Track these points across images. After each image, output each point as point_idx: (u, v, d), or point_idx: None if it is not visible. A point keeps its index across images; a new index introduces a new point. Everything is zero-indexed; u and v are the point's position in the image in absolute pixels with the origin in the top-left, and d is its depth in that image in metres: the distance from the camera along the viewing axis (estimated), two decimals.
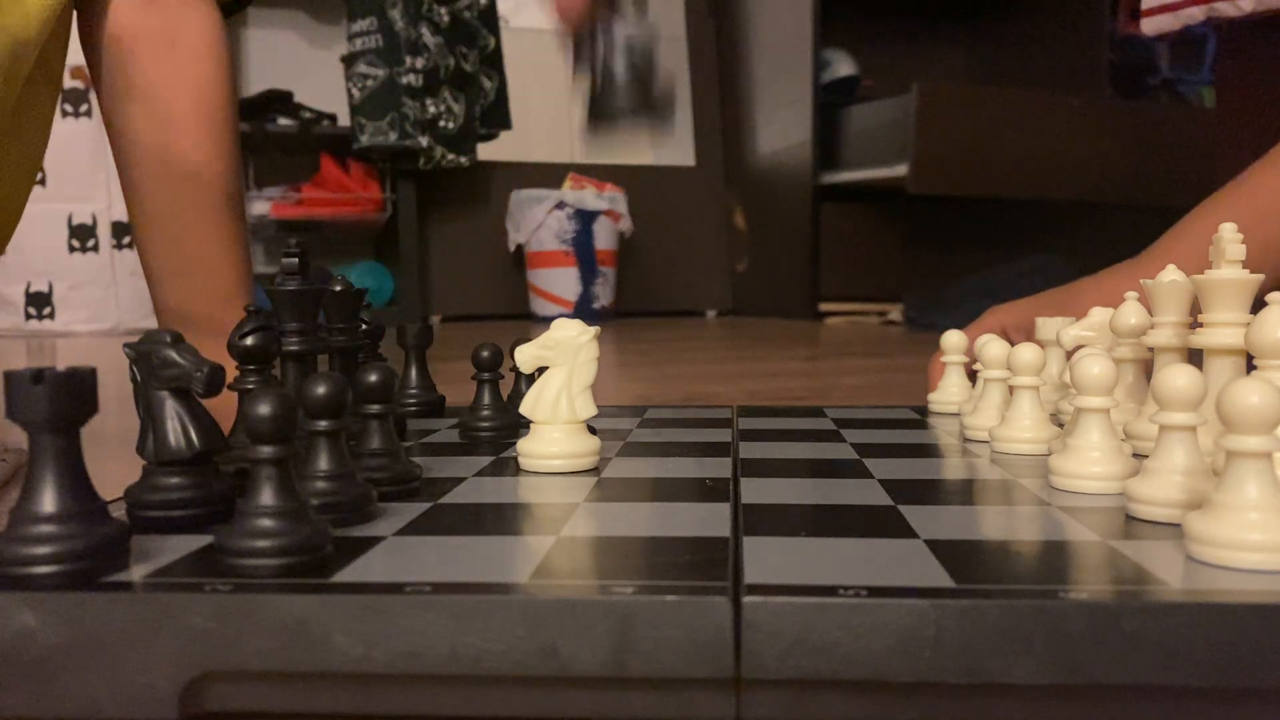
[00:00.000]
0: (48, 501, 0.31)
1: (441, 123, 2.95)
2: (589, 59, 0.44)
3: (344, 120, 3.01)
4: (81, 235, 2.90)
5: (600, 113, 0.44)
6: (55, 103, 0.82)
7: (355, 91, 2.90)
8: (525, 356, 0.49)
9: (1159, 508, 0.37)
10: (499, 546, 0.35)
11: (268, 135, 3.00)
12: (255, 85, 3.08)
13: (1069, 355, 0.60)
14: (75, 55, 0.79)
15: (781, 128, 3.21)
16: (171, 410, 0.38)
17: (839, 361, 1.82)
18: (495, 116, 3.12)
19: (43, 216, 2.80)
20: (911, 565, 0.32)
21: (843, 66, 3.14)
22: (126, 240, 2.87)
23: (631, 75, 0.44)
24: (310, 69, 3.14)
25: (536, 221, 3.16)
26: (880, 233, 3.09)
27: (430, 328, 0.69)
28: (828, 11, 2.99)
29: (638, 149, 3.42)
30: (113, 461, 0.50)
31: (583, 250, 3.16)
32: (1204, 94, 3.31)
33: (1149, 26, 1.28)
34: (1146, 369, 0.53)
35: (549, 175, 3.29)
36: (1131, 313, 0.52)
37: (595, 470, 0.48)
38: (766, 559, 0.33)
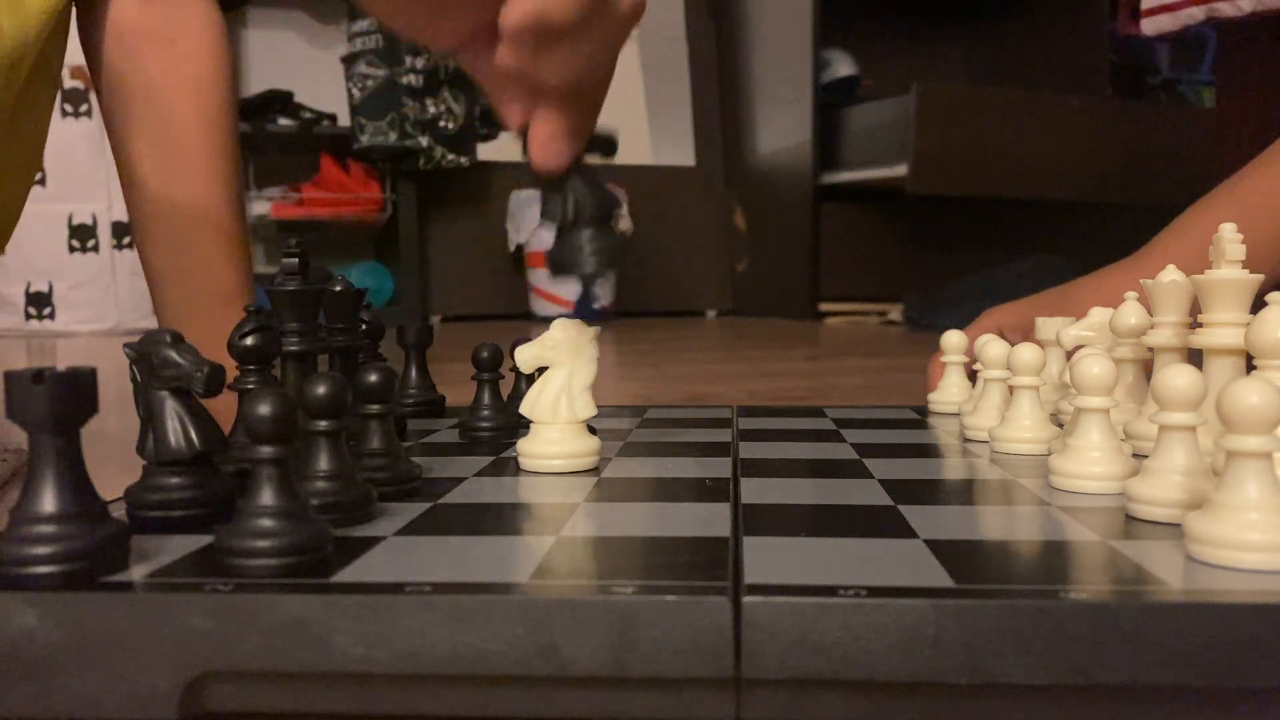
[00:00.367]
0: (48, 501, 0.31)
1: (441, 123, 2.95)
2: (558, 207, 0.44)
3: (344, 120, 3.00)
4: (81, 235, 2.90)
5: (561, 263, 0.45)
6: (54, 102, 0.82)
7: (355, 91, 2.90)
8: (526, 357, 0.49)
9: (1159, 508, 0.37)
10: (499, 546, 0.35)
11: (268, 135, 3.00)
12: (255, 85, 3.08)
13: (1069, 355, 0.60)
14: (76, 55, 0.79)
15: (781, 128, 3.21)
16: (171, 410, 0.38)
17: (839, 361, 1.82)
18: (495, 117, 3.12)
19: (43, 216, 2.81)
20: (911, 565, 0.32)
21: (843, 66, 3.14)
22: (126, 240, 2.87)
23: (595, 225, 0.44)
24: (310, 69, 3.14)
25: (536, 221, 3.16)
26: (880, 233, 3.09)
27: (430, 328, 0.69)
28: (828, 11, 2.99)
29: (641, 149, 3.42)
30: (113, 461, 0.50)
31: None
32: (1204, 94, 3.31)
33: (1149, 26, 1.28)
34: (1146, 369, 0.53)
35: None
36: (1131, 313, 0.52)
37: (595, 470, 0.48)
38: (766, 559, 0.33)
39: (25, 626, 0.30)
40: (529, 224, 3.17)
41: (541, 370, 0.49)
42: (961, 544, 0.34)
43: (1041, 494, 0.42)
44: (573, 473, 0.47)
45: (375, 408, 0.43)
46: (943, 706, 0.29)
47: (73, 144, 2.78)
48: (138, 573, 0.32)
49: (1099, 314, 0.58)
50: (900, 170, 2.73)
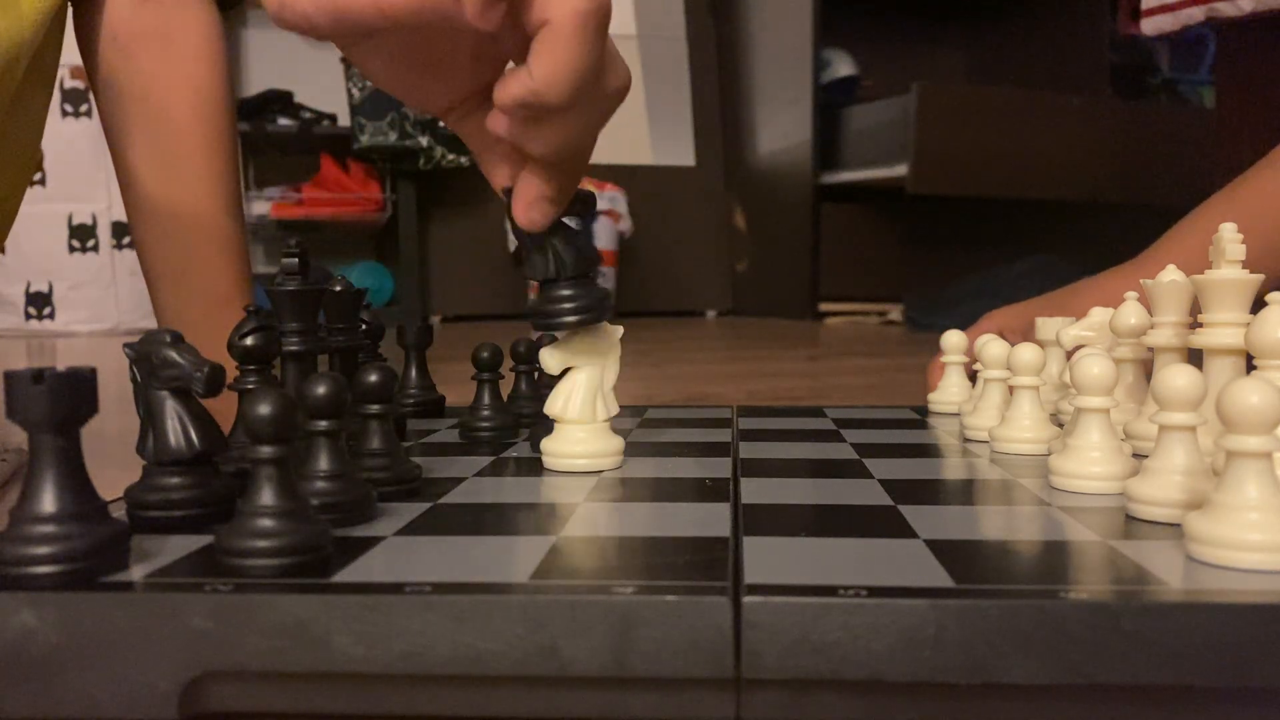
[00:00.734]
0: (48, 501, 0.31)
1: (441, 123, 2.95)
2: (539, 264, 0.46)
3: (344, 120, 3.01)
4: (81, 235, 2.90)
5: (541, 317, 0.46)
6: (50, 102, 0.82)
7: (355, 91, 2.90)
8: (555, 358, 0.48)
9: (1159, 508, 0.37)
10: (499, 546, 0.35)
11: (268, 135, 3.00)
12: (255, 85, 3.08)
13: (1069, 355, 0.60)
14: (77, 55, 0.79)
15: (781, 128, 3.21)
16: (171, 410, 0.38)
17: (839, 361, 1.82)
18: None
19: (43, 216, 2.81)
20: (911, 565, 0.32)
21: (843, 66, 3.14)
22: (126, 240, 2.88)
23: (575, 282, 0.46)
24: (310, 69, 3.14)
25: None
26: (880, 233, 3.09)
27: (430, 328, 0.69)
28: (828, 11, 2.99)
29: (639, 149, 3.42)
30: (113, 461, 0.50)
31: None
32: (1204, 94, 3.31)
33: (1149, 26, 1.28)
34: (1146, 369, 0.53)
35: None
36: (1131, 313, 0.52)
37: (617, 466, 0.48)
38: (766, 559, 0.33)
39: (25, 626, 0.30)
40: None
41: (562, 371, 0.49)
42: (961, 544, 0.34)
43: (1041, 494, 0.42)
44: (598, 472, 0.48)
45: (375, 408, 0.43)
46: (943, 706, 0.29)
47: (73, 144, 2.78)
48: (138, 573, 0.32)
49: (1099, 314, 0.58)
50: (900, 170, 2.73)
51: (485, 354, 0.58)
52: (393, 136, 2.89)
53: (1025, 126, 2.82)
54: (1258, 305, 0.41)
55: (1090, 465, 0.42)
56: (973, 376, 0.66)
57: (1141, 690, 0.28)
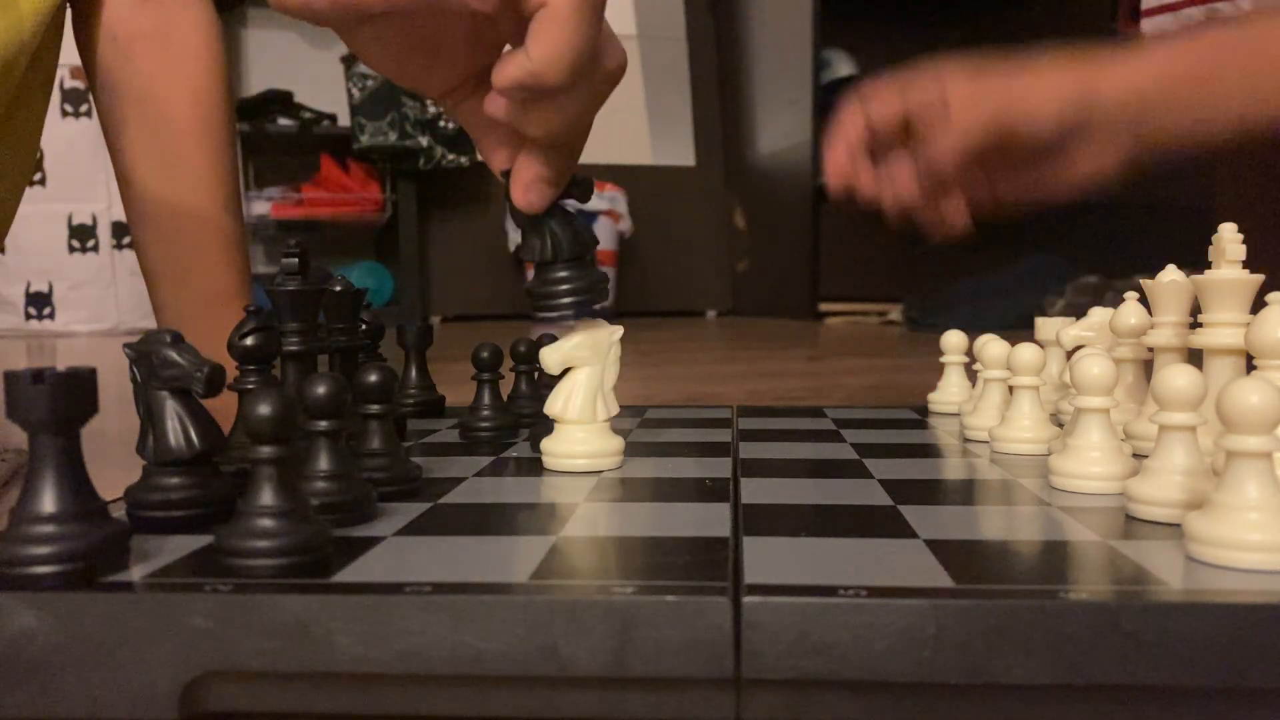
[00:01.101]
0: (48, 501, 0.31)
1: (441, 123, 2.95)
2: (535, 246, 0.46)
3: (344, 120, 3.01)
4: (81, 235, 2.90)
5: (538, 299, 0.47)
6: (49, 103, 0.82)
7: (355, 91, 2.90)
8: (555, 358, 0.48)
9: (1159, 508, 0.37)
10: (499, 546, 0.35)
11: (268, 135, 3.00)
12: (255, 85, 3.08)
13: (1069, 355, 0.60)
14: (76, 55, 0.79)
15: (781, 128, 3.21)
16: (171, 410, 0.38)
17: (839, 361, 1.82)
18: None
19: (43, 216, 2.81)
20: (911, 565, 0.32)
21: (843, 66, 3.14)
22: (126, 240, 2.87)
23: (572, 264, 0.47)
24: (310, 69, 3.14)
25: None
26: (880, 233, 3.09)
27: (430, 328, 0.69)
28: (828, 11, 2.99)
29: (639, 150, 3.42)
30: (113, 461, 0.50)
31: None
32: None
33: (1149, 26, 1.28)
34: (1146, 369, 0.53)
35: None
36: (1131, 313, 0.52)
37: (617, 467, 0.48)
38: (766, 559, 0.33)
39: (25, 626, 0.30)
40: None
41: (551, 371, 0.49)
42: (961, 544, 0.34)
43: (1041, 494, 0.42)
44: (598, 472, 0.48)
45: (375, 408, 0.43)
46: (943, 706, 0.29)
47: (73, 144, 2.78)
48: (138, 573, 0.32)
49: (1099, 314, 0.58)
50: None
51: (485, 354, 0.58)
52: (393, 136, 2.89)
53: None
54: (1258, 305, 0.41)
55: (1090, 465, 0.42)
56: (973, 377, 0.66)
57: (1141, 690, 0.28)
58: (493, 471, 0.49)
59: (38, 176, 2.82)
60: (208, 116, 0.78)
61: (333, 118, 3.07)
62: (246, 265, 0.81)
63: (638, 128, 3.58)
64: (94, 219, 2.91)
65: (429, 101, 2.90)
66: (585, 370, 0.48)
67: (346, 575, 0.31)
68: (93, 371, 0.32)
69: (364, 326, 0.56)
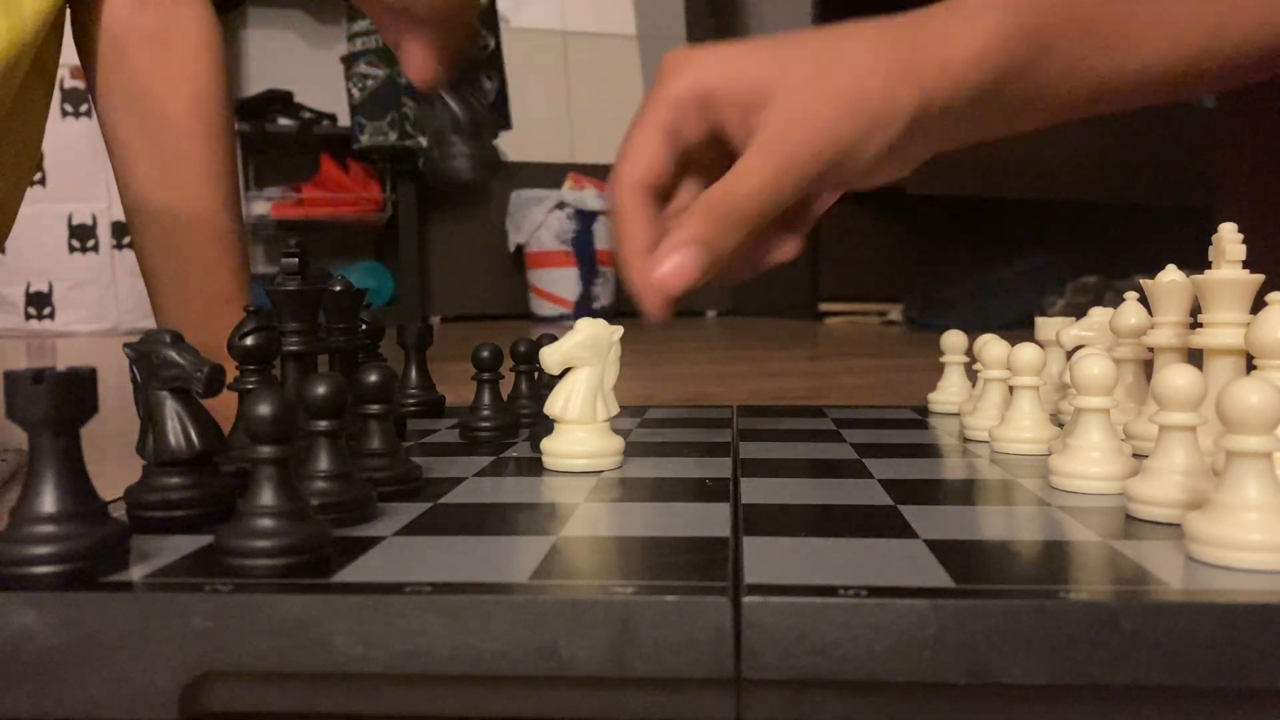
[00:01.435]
0: (48, 501, 0.31)
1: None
2: (431, 120, 0.51)
3: (344, 120, 3.01)
4: (81, 235, 2.90)
5: (436, 173, 0.51)
6: (50, 102, 0.82)
7: (355, 91, 2.90)
8: (556, 358, 0.48)
9: (1159, 508, 0.37)
10: (499, 546, 0.35)
11: (268, 135, 3.00)
12: (255, 85, 3.08)
13: (1069, 355, 0.60)
14: (76, 55, 0.79)
15: None
16: (171, 410, 0.38)
17: (839, 361, 1.82)
18: (495, 116, 3.12)
19: (43, 216, 2.81)
20: (911, 565, 0.32)
21: None
22: (126, 240, 2.87)
23: (468, 138, 0.50)
24: (310, 69, 3.14)
25: (536, 221, 3.16)
26: (880, 233, 3.09)
27: (430, 328, 0.69)
28: (828, 11, 2.99)
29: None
30: (113, 461, 0.50)
31: (583, 250, 3.17)
32: None
33: None
34: (1146, 369, 0.53)
35: (549, 175, 3.29)
36: (1131, 313, 0.52)
37: (617, 466, 0.48)
38: (766, 559, 0.33)
39: (25, 626, 0.30)
40: (529, 224, 3.17)
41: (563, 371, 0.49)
42: (961, 544, 0.34)
43: (1041, 494, 0.42)
44: (598, 472, 0.48)
45: (375, 408, 0.43)
46: (943, 706, 0.29)
47: (73, 144, 2.78)
48: (138, 573, 0.32)
49: (1099, 314, 0.58)
50: None
51: (485, 354, 0.58)
52: (393, 136, 2.89)
53: None
54: (1258, 305, 0.41)
55: (1090, 465, 0.42)
56: (973, 377, 0.66)
57: (1141, 690, 0.28)
58: (493, 471, 0.49)
59: (37, 176, 2.82)
60: (207, 117, 0.78)
61: (333, 118, 3.07)
62: (246, 266, 0.81)
63: None
64: (94, 219, 2.91)
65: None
66: (585, 370, 0.48)
67: (346, 575, 0.31)
68: (93, 371, 0.32)
69: (364, 326, 0.56)
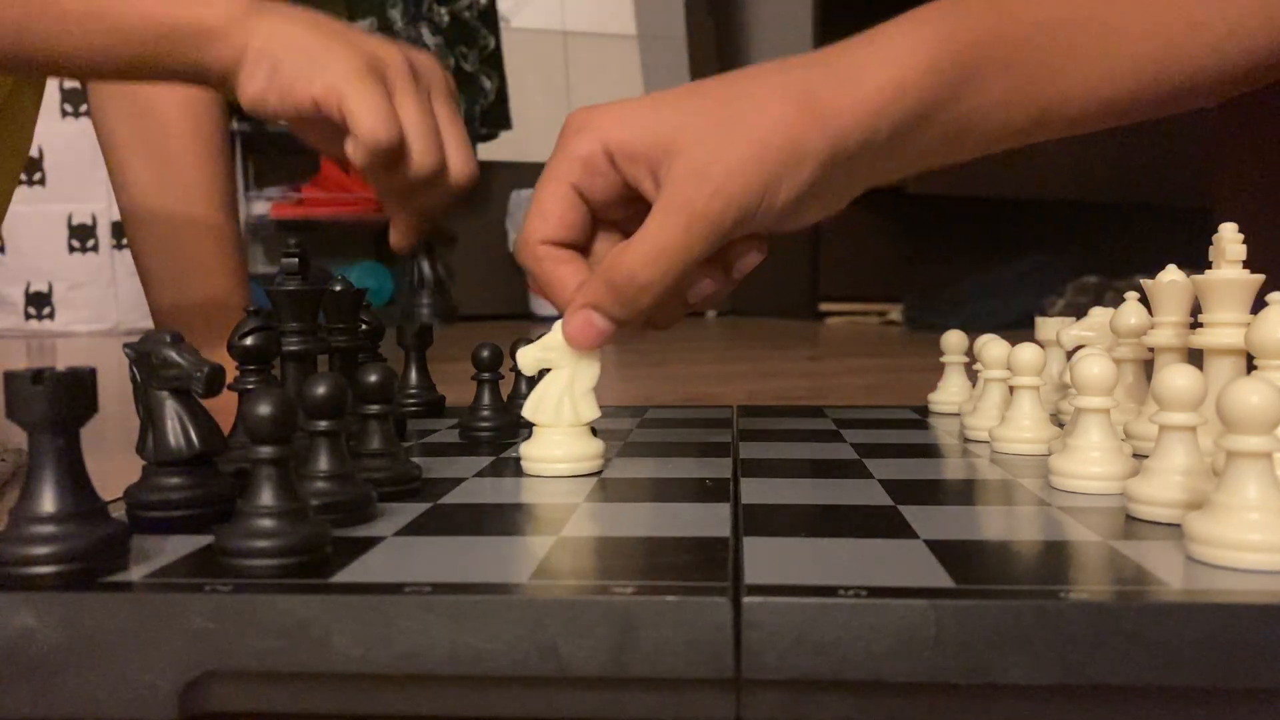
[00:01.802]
0: (48, 501, 0.31)
1: None
2: (408, 276, 0.62)
3: None
4: (81, 235, 2.90)
5: (404, 313, 0.60)
6: (40, 102, 0.82)
7: None
8: (528, 359, 0.48)
9: (1159, 508, 0.37)
10: (499, 546, 0.35)
11: (267, 135, 2.99)
12: None
13: (1069, 355, 0.60)
14: None
15: None
16: (171, 410, 0.38)
17: (839, 361, 1.82)
18: (495, 116, 3.12)
19: (43, 216, 2.80)
20: (911, 565, 0.32)
21: None
22: (126, 240, 2.88)
23: (432, 291, 0.63)
24: None
25: None
26: (880, 233, 3.09)
27: (430, 328, 0.69)
28: (828, 11, 2.99)
29: None
30: (113, 461, 0.50)
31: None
32: None
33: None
34: (1147, 369, 0.53)
35: None
36: (1131, 313, 0.52)
37: (596, 471, 0.48)
38: (766, 559, 0.33)
39: (25, 626, 0.30)
40: None
41: (543, 372, 0.49)
42: (961, 544, 0.34)
43: (1041, 494, 0.42)
44: (576, 476, 0.47)
45: (375, 408, 0.43)
46: (943, 706, 0.29)
47: (73, 144, 2.78)
48: (138, 573, 0.32)
49: (1099, 314, 0.58)
50: None
51: (485, 354, 0.58)
52: None
53: None
54: (1258, 305, 0.41)
55: (1090, 465, 0.42)
56: (973, 377, 0.66)
57: (1141, 690, 0.28)
58: (492, 472, 0.48)
59: (37, 176, 2.82)
60: (200, 119, 0.78)
61: None
62: (243, 267, 0.81)
63: None
64: (94, 219, 2.90)
65: None
66: (561, 372, 0.48)
67: (346, 575, 0.31)
68: (93, 371, 0.32)
69: (364, 326, 0.56)
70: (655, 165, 0.43)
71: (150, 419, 0.39)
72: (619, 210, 0.46)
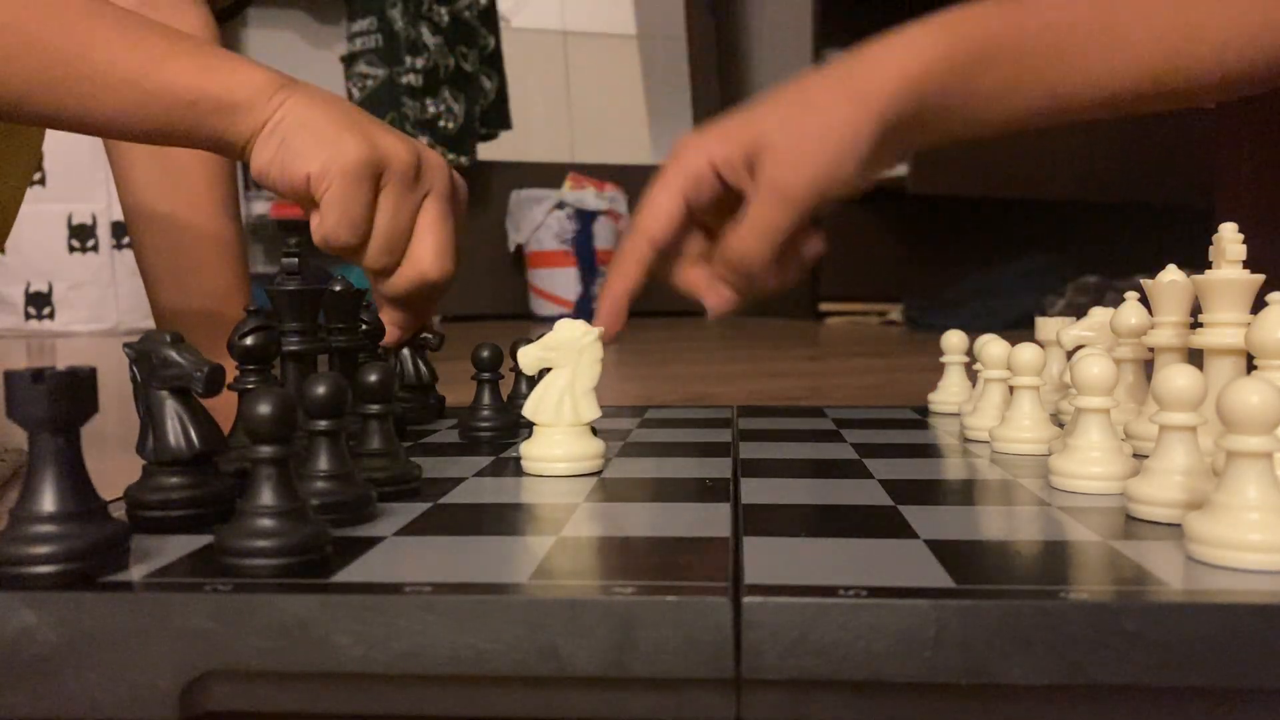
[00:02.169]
0: (48, 501, 0.31)
1: (441, 123, 2.95)
2: (393, 368, 0.65)
3: None
4: (81, 235, 2.90)
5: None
6: None
7: (355, 91, 2.90)
8: (528, 358, 0.48)
9: (1159, 508, 0.37)
10: (499, 546, 0.35)
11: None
12: None
13: (1069, 355, 0.60)
14: None
15: None
16: (171, 410, 0.38)
17: (839, 361, 1.82)
18: (495, 116, 3.12)
19: (43, 216, 2.80)
20: (911, 565, 0.32)
21: None
22: (126, 240, 2.87)
23: (413, 390, 0.69)
24: (310, 69, 3.13)
25: (536, 221, 3.16)
26: (880, 233, 3.09)
27: (439, 333, 0.69)
28: (828, 11, 2.99)
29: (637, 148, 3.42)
30: (113, 461, 0.50)
31: (583, 250, 3.16)
32: None
33: None
34: (1147, 369, 0.53)
35: (549, 175, 3.29)
36: (1131, 313, 0.52)
37: (596, 471, 0.48)
38: (766, 559, 0.33)
39: (25, 626, 0.30)
40: (529, 224, 3.16)
41: (544, 371, 0.49)
42: (961, 544, 0.34)
43: (1041, 494, 0.42)
44: (576, 475, 0.47)
45: (375, 408, 0.43)
46: (943, 706, 0.29)
47: (73, 144, 2.77)
48: (138, 573, 0.32)
49: (1099, 314, 0.58)
50: (900, 170, 2.73)
51: (485, 354, 0.58)
52: None
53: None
54: (1258, 305, 0.41)
55: (1090, 465, 0.42)
56: (973, 377, 0.66)
57: (1141, 690, 0.28)
58: (493, 472, 0.48)
59: (37, 176, 2.82)
60: None
61: None
62: (244, 267, 0.81)
63: (638, 128, 3.58)
64: (94, 219, 2.90)
65: (428, 101, 2.91)
66: (561, 371, 0.48)
67: (346, 575, 0.31)
68: (93, 371, 0.32)
69: (364, 326, 0.56)
70: (749, 164, 0.54)
71: (150, 419, 0.39)
72: (714, 216, 0.57)
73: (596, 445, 0.48)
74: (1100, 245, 2.96)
